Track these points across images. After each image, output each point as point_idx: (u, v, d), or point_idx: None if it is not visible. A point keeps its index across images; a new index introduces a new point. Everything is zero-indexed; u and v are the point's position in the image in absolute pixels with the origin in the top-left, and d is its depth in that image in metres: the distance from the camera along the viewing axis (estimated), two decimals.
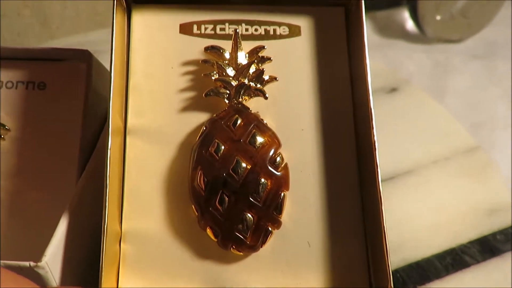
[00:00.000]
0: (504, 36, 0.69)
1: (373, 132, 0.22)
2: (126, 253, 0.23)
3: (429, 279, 0.29)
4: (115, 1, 0.23)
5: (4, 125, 0.25)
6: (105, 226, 0.21)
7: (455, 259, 0.30)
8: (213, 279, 0.22)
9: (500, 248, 0.31)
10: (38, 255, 0.20)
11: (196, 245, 0.23)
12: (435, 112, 0.44)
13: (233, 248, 0.22)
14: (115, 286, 0.21)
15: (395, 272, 0.27)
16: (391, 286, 0.20)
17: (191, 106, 0.24)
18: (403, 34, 0.70)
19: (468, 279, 0.29)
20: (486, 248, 0.31)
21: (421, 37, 0.71)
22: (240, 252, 0.22)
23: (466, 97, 0.59)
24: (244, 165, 0.22)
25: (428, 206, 0.34)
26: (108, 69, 0.22)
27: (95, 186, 0.24)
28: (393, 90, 0.46)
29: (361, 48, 0.23)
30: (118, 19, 0.23)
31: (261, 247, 0.22)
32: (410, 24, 0.72)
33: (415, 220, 0.33)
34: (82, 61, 0.26)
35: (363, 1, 0.24)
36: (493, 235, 0.32)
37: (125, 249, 0.23)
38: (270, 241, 0.23)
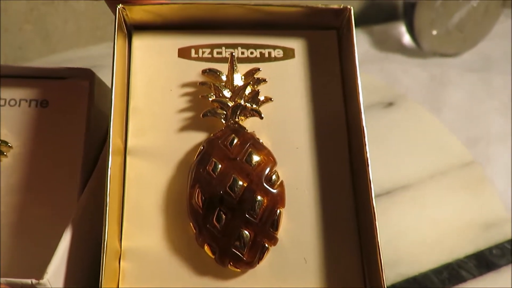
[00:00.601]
0: (500, 50, 0.69)
1: (365, 149, 0.23)
2: (126, 270, 0.23)
3: None
4: (116, 27, 0.24)
5: (6, 142, 0.26)
6: (105, 243, 0.21)
7: (452, 273, 0.30)
8: None
9: (496, 263, 0.31)
10: (40, 272, 0.20)
11: (194, 262, 0.23)
12: (431, 126, 0.44)
13: (230, 264, 0.22)
14: None
15: (392, 287, 0.27)
16: None
17: (189, 126, 0.25)
18: (399, 48, 0.71)
19: None
20: (482, 262, 0.31)
21: (418, 51, 0.72)
22: (237, 268, 0.23)
23: (462, 110, 0.60)
24: (240, 183, 0.23)
25: (425, 220, 0.35)
26: (110, 87, 0.23)
27: (96, 203, 0.25)
28: (390, 104, 0.46)
29: (353, 69, 0.24)
30: (119, 43, 0.24)
31: (258, 263, 0.23)
32: (406, 39, 0.73)
33: (412, 234, 0.34)
34: (84, 79, 0.27)
35: (353, 25, 0.25)
36: (489, 249, 0.32)
37: (124, 266, 0.23)
38: (267, 258, 0.23)
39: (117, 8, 0.24)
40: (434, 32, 0.67)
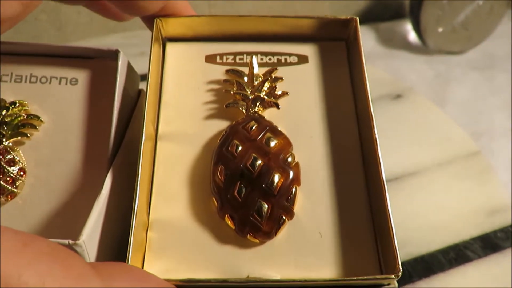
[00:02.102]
0: (503, 49, 0.71)
1: (374, 133, 0.25)
2: (152, 240, 0.24)
3: (433, 272, 0.30)
4: (153, 37, 0.28)
5: (38, 117, 0.27)
6: (134, 216, 0.23)
7: (458, 254, 0.32)
8: (230, 266, 0.24)
9: (500, 245, 0.32)
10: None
11: (216, 234, 0.25)
12: (438, 118, 0.46)
13: (249, 234, 0.24)
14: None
15: (401, 265, 0.28)
16: (398, 264, 0.21)
17: (213, 116, 0.28)
18: (405, 45, 0.73)
19: (471, 273, 0.31)
20: (487, 244, 0.32)
21: (423, 48, 0.73)
22: (256, 238, 0.24)
23: (466, 106, 0.62)
24: (259, 161, 0.25)
25: (432, 206, 0.36)
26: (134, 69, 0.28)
27: (123, 176, 0.26)
28: (398, 96, 0.48)
29: (362, 76, 0.27)
30: (155, 50, 0.28)
31: (275, 234, 0.24)
32: (412, 36, 0.75)
33: (420, 218, 0.35)
34: (112, 59, 0.28)
35: (360, 36, 0.28)
36: (494, 233, 0.33)
37: (150, 237, 0.25)
38: (284, 231, 0.24)
39: (155, 20, 0.28)
40: (440, 30, 0.69)
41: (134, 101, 0.30)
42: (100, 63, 0.28)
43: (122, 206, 0.27)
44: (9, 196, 0.26)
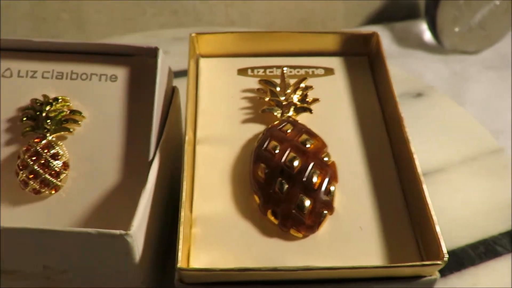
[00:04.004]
0: None
1: (405, 132, 0.27)
2: (196, 235, 0.25)
3: (464, 266, 0.31)
4: (189, 53, 0.31)
5: (80, 112, 0.27)
6: (181, 214, 0.24)
7: (488, 248, 0.32)
8: (274, 259, 0.24)
9: None
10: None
11: (258, 229, 0.26)
12: (460, 116, 0.46)
13: (292, 228, 0.24)
14: (186, 264, 0.23)
15: None
16: (443, 251, 0.22)
17: (248, 121, 0.30)
18: (420, 45, 0.73)
19: (501, 267, 0.31)
20: None
21: (438, 48, 0.74)
22: (299, 232, 0.24)
23: (482, 105, 0.62)
24: (298, 159, 0.26)
25: (457, 201, 0.37)
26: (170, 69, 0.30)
27: (162, 170, 0.27)
28: (419, 95, 0.48)
29: (387, 79, 0.30)
30: (191, 64, 0.31)
31: (318, 228, 0.24)
32: (427, 36, 0.75)
33: (446, 213, 0.35)
34: (151, 56, 0.28)
35: (383, 51, 0.31)
36: None
37: (195, 232, 0.25)
38: (325, 225, 0.25)
39: (190, 35, 0.31)
40: (456, 29, 0.69)
41: (170, 98, 0.31)
42: (139, 60, 0.29)
43: (161, 201, 0.28)
44: (53, 189, 0.26)
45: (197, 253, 0.24)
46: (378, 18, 0.84)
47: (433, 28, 0.71)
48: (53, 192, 0.26)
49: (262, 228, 0.25)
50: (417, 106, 0.46)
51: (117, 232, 0.22)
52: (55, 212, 0.27)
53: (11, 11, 0.65)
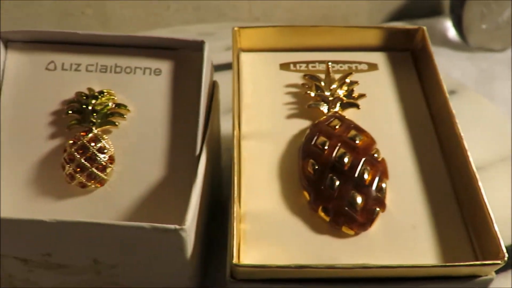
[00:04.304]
0: None
1: (457, 128, 0.27)
2: (245, 231, 0.25)
3: (510, 266, 0.30)
4: (233, 48, 0.31)
5: (125, 106, 0.27)
6: (234, 209, 0.24)
7: None
8: (325, 256, 0.24)
9: None
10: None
11: (308, 225, 0.25)
12: (493, 113, 0.45)
13: (345, 225, 0.24)
14: (237, 260, 0.23)
15: None
16: (502, 250, 0.21)
17: (293, 116, 0.29)
18: (445, 42, 0.72)
19: None
20: None
21: (463, 45, 0.73)
22: (351, 229, 0.24)
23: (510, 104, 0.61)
24: (348, 155, 0.26)
25: (499, 200, 0.36)
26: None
27: (208, 164, 0.26)
28: (452, 92, 0.47)
29: (436, 75, 0.29)
30: (235, 59, 0.30)
31: (370, 226, 0.24)
32: (451, 33, 0.74)
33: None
34: (195, 50, 0.28)
35: (429, 45, 0.30)
36: None
37: (244, 228, 0.25)
38: (377, 223, 0.25)
39: (233, 29, 0.31)
40: (484, 27, 0.68)
41: (211, 93, 0.30)
42: (183, 54, 0.29)
43: (205, 196, 0.27)
44: (98, 183, 0.26)
45: (247, 249, 0.24)
46: (401, 15, 0.83)
47: (458, 26, 0.70)
48: (98, 186, 0.26)
49: (312, 225, 0.25)
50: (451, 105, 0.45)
51: (172, 226, 0.21)
52: (100, 206, 0.26)
53: (36, 6, 0.65)
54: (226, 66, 0.51)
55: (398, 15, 0.83)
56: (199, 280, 0.27)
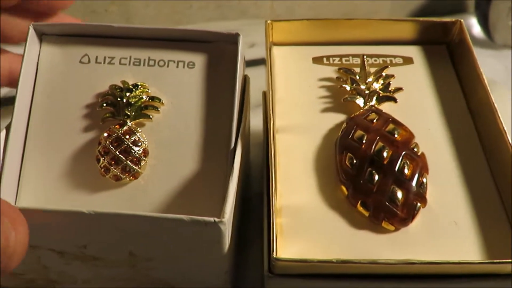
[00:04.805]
0: None
1: (500, 122, 0.26)
2: (282, 225, 0.25)
3: None
4: (266, 41, 0.30)
5: (159, 99, 0.27)
6: (273, 204, 0.23)
7: None
8: (365, 251, 0.24)
9: None
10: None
11: (345, 220, 0.25)
12: None
13: (385, 220, 0.23)
14: (275, 254, 0.22)
15: None
16: None
17: (328, 109, 0.29)
18: (470, 40, 0.71)
19: None
20: None
21: (488, 42, 0.71)
22: (391, 225, 0.23)
23: None
24: (387, 148, 0.25)
25: None
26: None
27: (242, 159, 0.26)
28: None
29: (476, 69, 0.29)
30: (268, 53, 0.30)
31: (411, 221, 0.23)
32: (476, 30, 0.73)
33: None
34: (230, 43, 0.28)
35: (468, 38, 0.30)
36: None
37: (281, 222, 0.25)
38: (417, 218, 0.24)
39: (266, 22, 0.31)
40: (510, 24, 0.67)
41: (243, 86, 0.30)
42: (216, 47, 0.28)
43: (239, 189, 0.27)
44: (132, 176, 0.26)
45: (284, 243, 0.24)
46: (423, 12, 0.82)
47: (484, 23, 0.68)
48: (132, 179, 0.26)
49: (350, 219, 0.24)
50: None
51: (211, 219, 0.21)
52: (133, 199, 0.26)
53: None
54: (251, 63, 0.51)
55: (420, 13, 0.82)
56: (232, 276, 0.27)
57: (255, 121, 0.38)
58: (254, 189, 0.37)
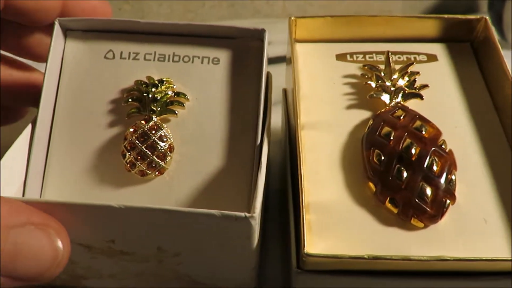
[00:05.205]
0: None
1: None
2: (310, 221, 0.25)
3: None
4: (289, 38, 0.31)
5: (185, 94, 0.27)
6: (302, 199, 0.23)
7: None
8: (394, 248, 0.23)
9: None
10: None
11: (373, 217, 0.25)
12: None
13: (414, 217, 0.23)
14: (305, 249, 0.23)
15: None
16: None
17: (353, 106, 0.29)
18: None
19: None
20: None
21: (502, 43, 0.71)
22: (421, 222, 0.23)
23: None
24: (415, 145, 0.25)
25: None
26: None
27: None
28: None
29: (502, 65, 0.28)
30: (291, 49, 0.30)
31: (441, 218, 0.23)
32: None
33: None
34: (255, 39, 0.28)
35: (494, 36, 0.29)
36: None
37: (308, 218, 0.25)
38: (446, 216, 0.24)
39: (289, 19, 0.31)
40: None
41: (267, 83, 0.30)
42: (241, 43, 0.28)
43: (265, 185, 0.27)
44: (158, 172, 0.26)
45: (312, 240, 0.23)
46: (435, 12, 0.82)
47: (497, 23, 0.68)
48: (158, 174, 0.26)
49: (378, 216, 0.24)
50: None
51: (242, 214, 0.21)
52: (159, 194, 0.26)
53: None
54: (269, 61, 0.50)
55: (432, 13, 0.82)
56: (257, 272, 0.27)
57: (274, 118, 0.38)
58: (271, 186, 0.37)
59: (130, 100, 0.27)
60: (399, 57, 0.31)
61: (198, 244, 0.23)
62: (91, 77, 0.28)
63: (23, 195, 0.26)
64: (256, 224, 0.22)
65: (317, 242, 0.23)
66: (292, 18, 0.31)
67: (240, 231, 0.22)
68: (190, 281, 0.26)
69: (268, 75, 0.31)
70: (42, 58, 0.32)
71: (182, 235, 0.23)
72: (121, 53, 0.29)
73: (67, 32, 0.29)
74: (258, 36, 0.28)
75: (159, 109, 0.27)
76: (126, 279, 0.26)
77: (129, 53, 0.29)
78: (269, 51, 0.29)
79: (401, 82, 0.28)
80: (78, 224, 0.23)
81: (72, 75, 0.28)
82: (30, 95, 0.32)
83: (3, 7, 0.28)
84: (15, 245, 0.19)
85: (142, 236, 0.23)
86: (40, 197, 0.26)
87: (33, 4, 0.29)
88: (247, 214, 0.21)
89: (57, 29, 0.28)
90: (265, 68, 0.28)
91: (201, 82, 0.28)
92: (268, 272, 0.32)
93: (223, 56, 0.28)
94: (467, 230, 0.24)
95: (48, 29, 0.31)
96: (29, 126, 0.27)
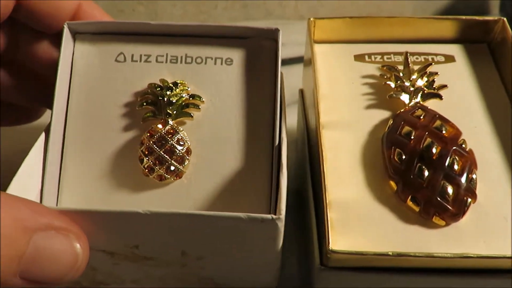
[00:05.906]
0: None
1: None
2: (332, 219, 0.25)
3: None
4: (309, 39, 0.31)
5: (200, 96, 0.27)
6: (325, 197, 0.24)
7: None
8: (416, 247, 0.24)
9: None
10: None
11: (395, 215, 0.25)
12: None
13: (436, 215, 0.23)
14: (330, 246, 0.23)
15: None
16: None
17: (373, 106, 0.29)
18: None
19: None
20: None
21: None
22: (442, 220, 0.23)
23: None
24: (436, 144, 0.25)
25: None
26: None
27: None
28: None
29: None
30: (310, 50, 0.31)
31: (462, 217, 0.24)
32: None
33: None
34: (268, 38, 0.28)
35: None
36: None
37: (331, 216, 0.25)
38: (467, 214, 0.24)
39: (308, 20, 0.31)
40: None
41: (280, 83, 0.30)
42: (254, 42, 0.28)
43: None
44: (176, 176, 0.26)
45: (334, 237, 0.24)
46: (446, 14, 0.82)
47: (509, 24, 0.68)
48: (176, 178, 0.26)
49: (399, 214, 0.24)
50: None
51: (269, 216, 0.21)
52: (178, 198, 0.26)
53: None
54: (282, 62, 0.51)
55: (443, 14, 0.82)
56: (280, 273, 0.27)
57: (289, 119, 0.39)
58: (291, 186, 0.37)
59: (144, 103, 0.27)
60: (417, 58, 0.31)
61: (221, 247, 0.23)
62: (103, 81, 0.28)
63: (41, 202, 0.26)
64: (282, 225, 0.22)
65: (339, 240, 0.24)
66: (311, 19, 0.31)
67: (266, 233, 0.22)
68: (212, 283, 0.26)
69: (281, 76, 0.31)
70: (48, 68, 0.32)
71: (206, 239, 0.23)
72: (132, 55, 0.28)
73: (76, 35, 0.28)
74: (271, 35, 0.28)
75: (175, 112, 0.27)
76: (149, 284, 0.26)
77: (141, 55, 0.28)
78: (281, 52, 0.29)
79: (420, 83, 0.29)
80: (101, 230, 0.23)
81: (83, 79, 0.28)
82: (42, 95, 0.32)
83: (14, 6, 0.28)
84: (36, 249, 0.20)
85: (167, 241, 0.23)
86: (57, 203, 0.26)
87: (47, 5, 0.28)
88: (274, 216, 0.21)
89: (66, 33, 0.28)
90: (280, 68, 0.28)
91: (215, 83, 0.28)
92: (285, 272, 0.32)
93: (236, 56, 0.28)
94: (488, 228, 0.24)
95: (56, 39, 0.31)
96: (43, 134, 0.26)
